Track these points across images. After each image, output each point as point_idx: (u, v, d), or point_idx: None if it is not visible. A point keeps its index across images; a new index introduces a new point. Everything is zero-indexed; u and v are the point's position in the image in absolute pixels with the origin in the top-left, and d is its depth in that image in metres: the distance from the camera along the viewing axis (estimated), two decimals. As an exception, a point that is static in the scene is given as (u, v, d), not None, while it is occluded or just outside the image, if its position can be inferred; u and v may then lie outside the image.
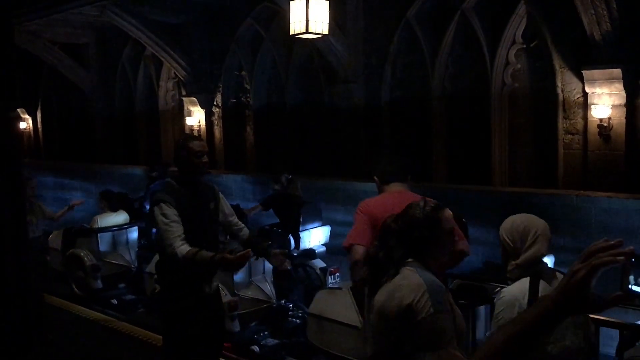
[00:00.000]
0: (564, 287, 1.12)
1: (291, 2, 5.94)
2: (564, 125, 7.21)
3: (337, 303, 4.62)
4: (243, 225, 3.90)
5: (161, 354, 3.80)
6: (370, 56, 8.85)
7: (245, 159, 11.00)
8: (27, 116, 15.81)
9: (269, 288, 5.85)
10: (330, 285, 5.12)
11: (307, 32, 5.93)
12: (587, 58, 6.63)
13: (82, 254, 7.07)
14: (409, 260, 2.25)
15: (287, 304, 5.78)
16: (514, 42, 7.70)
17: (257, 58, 10.60)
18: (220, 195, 3.79)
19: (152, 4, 10.05)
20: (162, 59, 11.24)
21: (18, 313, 1.81)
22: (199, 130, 11.47)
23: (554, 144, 7.32)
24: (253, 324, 5.61)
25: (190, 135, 3.97)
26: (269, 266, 5.72)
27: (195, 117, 11.42)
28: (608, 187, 6.56)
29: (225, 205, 3.82)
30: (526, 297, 2.31)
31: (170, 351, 3.61)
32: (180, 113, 12.00)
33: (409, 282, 2.17)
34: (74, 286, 7.13)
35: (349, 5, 8.64)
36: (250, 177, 9.94)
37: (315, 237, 7.05)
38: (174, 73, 11.60)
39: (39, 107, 15.83)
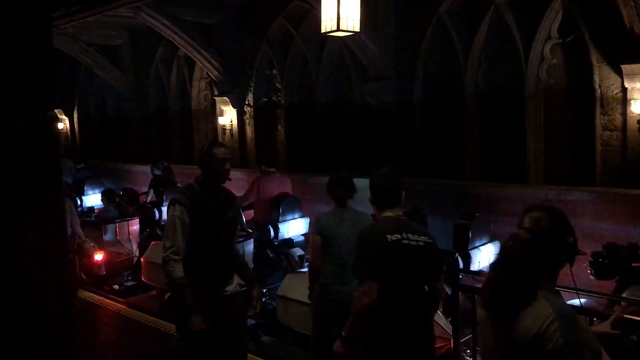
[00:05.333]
0: None
1: (322, 0, 5.92)
2: (602, 121, 7.03)
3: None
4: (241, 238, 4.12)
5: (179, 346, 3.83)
6: (401, 53, 8.78)
7: (277, 158, 11.05)
8: (64, 116, 16.18)
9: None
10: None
11: (338, 29, 5.89)
12: (626, 52, 6.45)
13: None
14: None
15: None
16: (549, 37, 7.53)
17: (288, 57, 10.63)
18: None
19: (185, 4, 10.18)
20: (195, 59, 11.37)
21: (59, 309, 1.85)
22: (230, 129, 11.58)
23: (591, 140, 7.15)
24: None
25: (215, 142, 4.02)
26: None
27: (227, 117, 11.53)
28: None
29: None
30: None
31: (187, 346, 3.61)
32: (212, 112, 12.13)
33: (535, 310, 1.98)
34: None
35: (380, 2, 8.58)
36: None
37: None
38: (207, 73, 11.73)
39: (76, 108, 16.19)
